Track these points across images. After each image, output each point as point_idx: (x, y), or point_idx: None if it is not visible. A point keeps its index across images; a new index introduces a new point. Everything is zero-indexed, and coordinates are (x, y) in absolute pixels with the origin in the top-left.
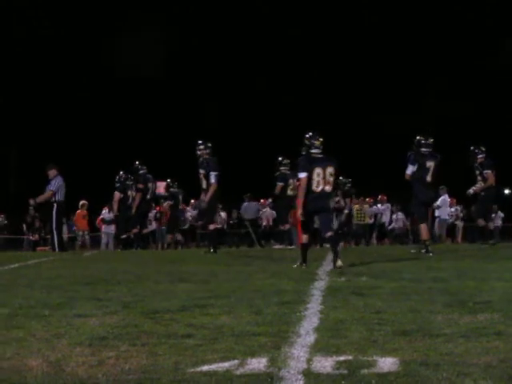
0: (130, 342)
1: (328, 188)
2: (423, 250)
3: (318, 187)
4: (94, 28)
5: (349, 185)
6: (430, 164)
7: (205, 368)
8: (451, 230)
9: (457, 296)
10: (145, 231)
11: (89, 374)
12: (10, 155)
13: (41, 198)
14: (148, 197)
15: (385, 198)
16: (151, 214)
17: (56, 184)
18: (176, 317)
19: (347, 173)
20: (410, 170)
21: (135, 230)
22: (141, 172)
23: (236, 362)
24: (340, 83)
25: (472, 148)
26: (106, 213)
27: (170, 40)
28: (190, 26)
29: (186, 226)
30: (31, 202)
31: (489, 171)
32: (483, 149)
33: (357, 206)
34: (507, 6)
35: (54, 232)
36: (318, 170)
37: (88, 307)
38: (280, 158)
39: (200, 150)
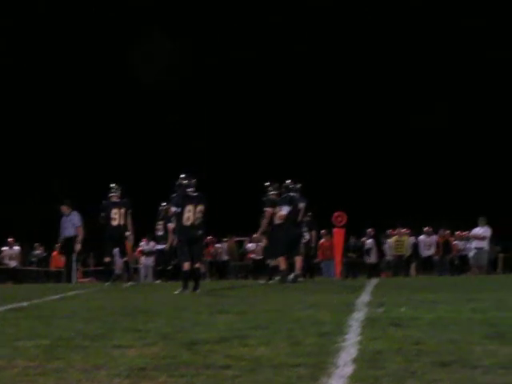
0: (168, 373)
1: (197, 222)
2: (277, 278)
3: (187, 221)
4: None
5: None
6: (301, 206)
7: None
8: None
9: (496, 327)
10: None
11: None
12: (52, 186)
13: (79, 241)
14: None
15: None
16: None
17: (78, 218)
18: (214, 348)
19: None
20: (286, 210)
21: (174, 261)
22: None
23: None
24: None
25: (267, 183)
26: (144, 244)
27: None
28: (199, 39)
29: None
30: (78, 247)
31: (268, 209)
32: (276, 186)
33: (396, 237)
34: None
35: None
36: (189, 207)
37: (127, 338)
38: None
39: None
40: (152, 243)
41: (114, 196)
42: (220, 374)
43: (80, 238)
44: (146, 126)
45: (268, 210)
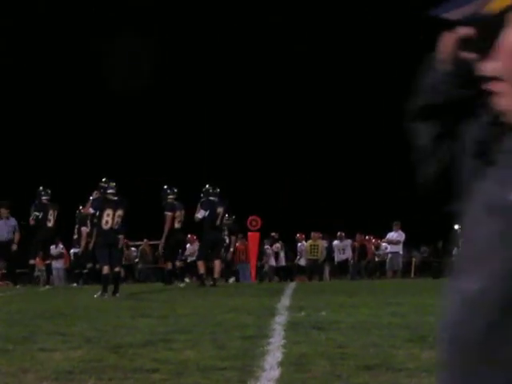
0: (96, 376)
1: (116, 226)
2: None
3: (106, 225)
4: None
5: (231, 222)
6: (220, 210)
7: None
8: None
9: (417, 331)
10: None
11: None
12: None
13: (16, 242)
14: None
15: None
16: None
17: (16, 222)
18: (140, 351)
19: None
20: (202, 214)
21: (90, 265)
22: None
23: None
24: None
25: (165, 187)
26: (53, 248)
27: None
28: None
29: None
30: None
31: (168, 213)
32: (175, 190)
33: (310, 241)
34: None
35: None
36: (108, 211)
37: (51, 342)
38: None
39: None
40: (61, 246)
41: (46, 198)
42: (148, 378)
43: (17, 240)
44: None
45: (168, 213)
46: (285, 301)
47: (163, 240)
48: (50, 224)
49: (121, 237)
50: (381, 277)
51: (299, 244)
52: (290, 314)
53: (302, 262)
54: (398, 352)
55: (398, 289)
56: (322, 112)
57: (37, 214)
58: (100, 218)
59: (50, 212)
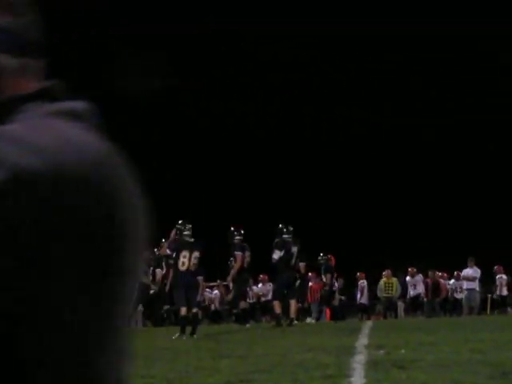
0: None
1: (193, 268)
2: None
3: (183, 266)
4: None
5: (323, 261)
6: (294, 249)
7: None
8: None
9: (499, 367)
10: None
11: None
12: None
13: None
14: None
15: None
16: None
17: None
18: None
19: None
20: (277, 254)
21: (167, 307)
22: None
23: None
24: None
25: (232, 229)
26: None
27: None
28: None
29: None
30: None
31: (239, 253)
32: (242, 231)
33: (385, 278)
34: None
35: None
36: (184, 253)
37: None
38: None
39: None
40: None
41: None
42: None
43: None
44: None
45: (239, 253)
46: (363, 339)
47: (230, 278)
48: None
49: (200, 278)
50: (457, 314)
51: (360, 282)
52: (370, 352)
53: (364, 300)
54: None
55: (475, 325)
56: (384, 151)
57: None
58: (177, 259)
59: None
